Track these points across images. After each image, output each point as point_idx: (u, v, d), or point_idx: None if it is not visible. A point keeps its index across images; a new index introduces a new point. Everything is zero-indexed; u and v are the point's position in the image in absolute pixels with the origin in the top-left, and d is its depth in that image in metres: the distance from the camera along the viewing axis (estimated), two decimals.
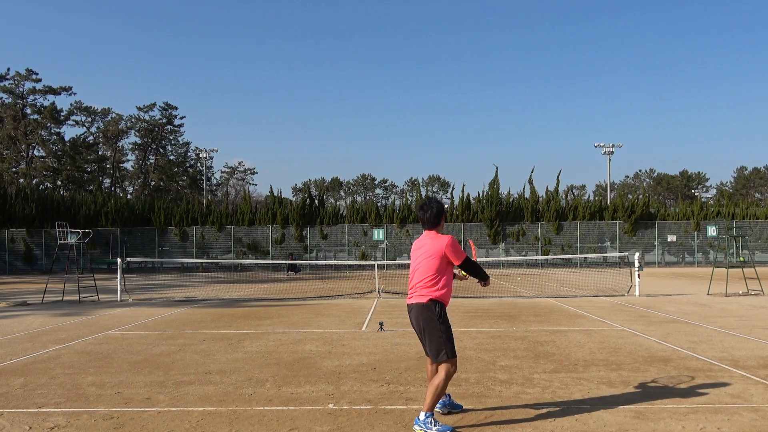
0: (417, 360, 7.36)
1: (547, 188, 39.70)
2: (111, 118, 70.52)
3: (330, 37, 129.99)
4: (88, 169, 67.82)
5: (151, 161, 73.67)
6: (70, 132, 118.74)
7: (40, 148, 63.33)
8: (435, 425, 4.54)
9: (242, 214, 39.44)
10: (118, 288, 16.35)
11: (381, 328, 9.93)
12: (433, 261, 4.75)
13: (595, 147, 52.70)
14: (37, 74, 61.22)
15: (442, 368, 4.63)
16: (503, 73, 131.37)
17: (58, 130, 64.36)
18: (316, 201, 40.61)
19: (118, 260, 17.02)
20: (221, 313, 13.01)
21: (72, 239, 17.48)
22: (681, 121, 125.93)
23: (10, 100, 61.24)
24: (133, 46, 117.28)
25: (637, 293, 15.65)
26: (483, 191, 39.36)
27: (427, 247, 4.79)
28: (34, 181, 60.25)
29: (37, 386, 6.21)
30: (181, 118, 73.23)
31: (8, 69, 60.93)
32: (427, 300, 4.73)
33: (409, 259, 5.08)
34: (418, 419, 4.61)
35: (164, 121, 71.58)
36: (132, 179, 75.21)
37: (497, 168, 60.25)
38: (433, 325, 4.69)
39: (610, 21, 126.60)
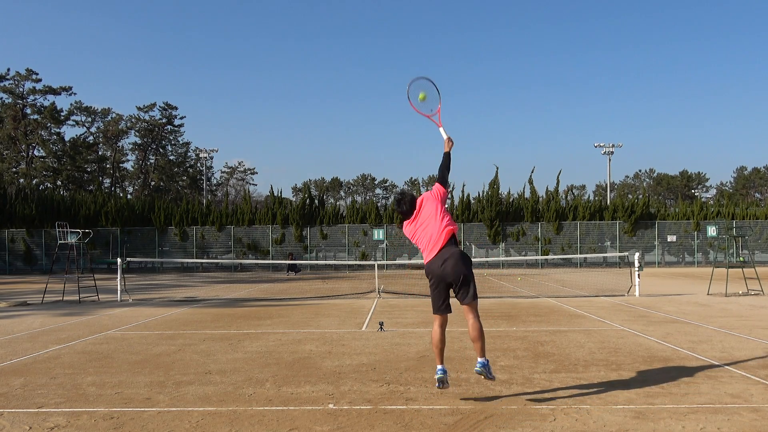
0: (417, 360, 7.37)
1: (547, 188, 39.75)
2: (111, 118, 70.47)
3: (330, 37, 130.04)
4: (88, 169, 67.81)
5: (151, 161, 73.67)
6: (70, 132, 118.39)
7: (40, 148, 63.31)
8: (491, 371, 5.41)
9: (242, 214, 39.43)
10: (118, 288, 16.35)
11: (381, 328, 9.93)
12: None
13: (595, 147, 52.71)
14: (37, 74, 61.22)
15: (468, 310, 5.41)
16: (503, 73, 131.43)
17: (58, 130, 64.35)
18: (316, 201, 40.61)
19: (118, 260, 17.02)
20: (221, 313, 13.01)
21: (72, 239, 17.47)
22: (681, 121, 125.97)
23: (10, 100, 61.22)
24: (133, 46, 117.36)
25: (637, 293, 15.64)
26: (483, 191, 39.40)
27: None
28: (34, 181, 60.24)
29: (37, 386, 6.21)
30: (181, 118, 73.23)
31: (8, 69, 60.88)
32: None
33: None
34: (483, 363, 5.31)
35: (164, 121, 71.56)
36: (132, 179, 75.21)
37: (497, 168, 60.33)
38: None
39: (609, 21, 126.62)
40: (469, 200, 39.19)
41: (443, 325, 5.47)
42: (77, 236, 17.72)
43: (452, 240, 5.44)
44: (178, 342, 8.96)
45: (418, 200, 5.59)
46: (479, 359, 5.37)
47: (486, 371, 5.34)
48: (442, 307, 5.42)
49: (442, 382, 5.31)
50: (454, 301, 5.51)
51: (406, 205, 5.53)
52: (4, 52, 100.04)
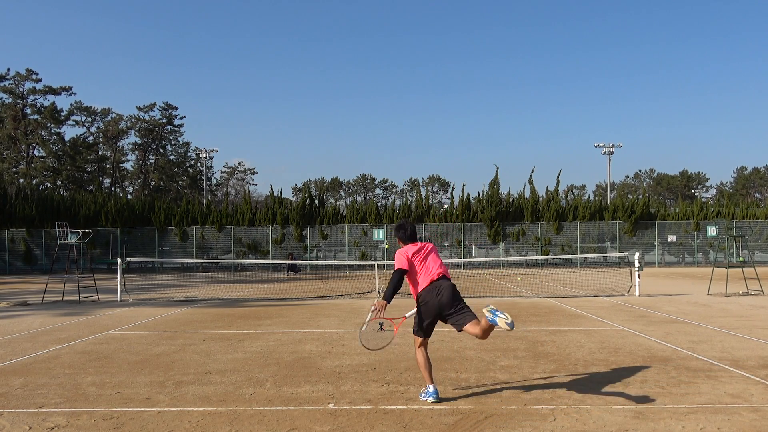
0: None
1: (547, 188, 39.72)
2: (111, 118, 70.47)
3: (330, 36, 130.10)
4: (88, 169, 67.80)
5: (151, 161, 73.65)
6: (70, 132, 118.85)
7: (40, 148, 63.29)
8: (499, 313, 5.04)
9: (242, 214, 39.42)
10: (118, 288, 16.35)
11: (381, 328, 9.91)
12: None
13: (595, 147, 52.72)
14: (37, 74, 61.19)
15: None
16: (503, 73, 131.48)
17: (58, 130, 64.33)
18: (316, 201, 40.59)
19: (118, 260, 17.02)
20: (221, 313, 13.01)
21: (72, 239, 17.47)
22: (681, 121, 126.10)
23: (10, 100, 61.19)
24: (134, 46, 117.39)
25: (637, 293, 15.64)
26: (483, 191, 39.36)
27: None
28: (34, 181, 60.21)
29: (37, 386, 6.21)
30: (181, 118, 73.28)
31: (8, 69, 60.88)
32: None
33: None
34: (494, 313, 5.00)
35: (164, 121, 71.55)
36: (132, 179, 75.19)
37: (497, 168, 60.36)
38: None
39: (609, 21, 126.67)
40: (469, 200, 39.16)
41: (426, 347, 5.62)
42: (77, 236, 17.72)
43: (446, 277, 5.62)
44: (178, 342, 8.96)
45: (423, 243, 5.86)
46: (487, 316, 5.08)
47: (493, 314, 4.99)
48: (429, 331, 5.58)
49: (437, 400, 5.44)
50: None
51: (410, 228, 5.82)
52: (4, 52, 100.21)
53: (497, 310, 5.00)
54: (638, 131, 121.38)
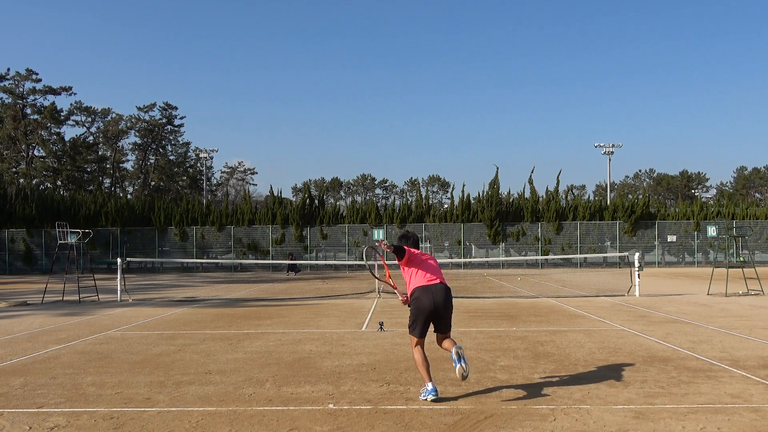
0: None
1: (547, 188, 39.74)
2: (111, 118, 70.45)
3: (330, 37, 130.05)
4: (88, 169, 67.79)
5: (151, 161, 73.64)
6: (70, 132, 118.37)
7: (40, 148, 63.28)
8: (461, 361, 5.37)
9: (242, 214, 39.43)
10: (118, 288, 16.35)
11: (381, 328, 9.93)
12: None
13: (595, 147, 52.75)
14: (37, 74, 61.15)
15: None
16: (503, 73, 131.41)
17: (58, 130, 64.31)
18: (316, 201, 40.60)
19: (118, 260, 17.01)
20: (221, 313, 13.01)
21: (72, 239, 17.47)
22: (681, 121, 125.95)
23: (10, 100, 61.17)
24: (134, 46, 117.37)
25: (637, 293, 15.64)
26: (483, 191, 39.38)
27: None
28: (34, 181, 60.21)
29: (37, 386, 6.21)
30: (181, 118, 73.20)
31: (8, 69, 60.82)
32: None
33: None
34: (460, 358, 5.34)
35: (164, 121, 71.53)
36: (132, 179, 75.18)
37: (497, 168, 60.35)
38: None
39: (610, 21, 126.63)
40: (469, 200, 39.17)
41: (423, 346, 5.63)
42: (77, 236, 17.72)
43: (444, 284, 5.74)
44: (178, 342, 8.96)
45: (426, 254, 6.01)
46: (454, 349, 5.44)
47: (456, 362, 5.38)
48: (424, 332, 5.62)
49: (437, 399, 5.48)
50: None
51: (413, 237, 6.03)
52: (4, 52, 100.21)
53: (463, 358, 5.36)
54: (638, 131, 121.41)
